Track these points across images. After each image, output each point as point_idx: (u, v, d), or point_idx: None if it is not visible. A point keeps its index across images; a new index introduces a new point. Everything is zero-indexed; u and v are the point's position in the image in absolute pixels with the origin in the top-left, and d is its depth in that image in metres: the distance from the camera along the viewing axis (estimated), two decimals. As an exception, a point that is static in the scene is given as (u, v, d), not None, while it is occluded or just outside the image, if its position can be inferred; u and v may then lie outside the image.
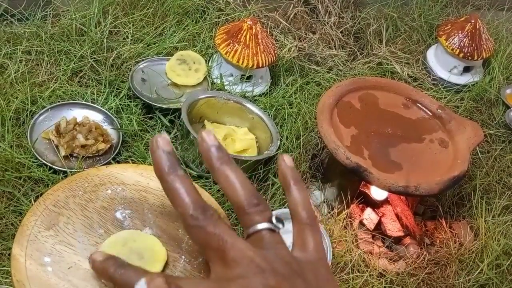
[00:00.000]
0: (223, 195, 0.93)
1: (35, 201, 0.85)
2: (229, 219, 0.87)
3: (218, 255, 0.42)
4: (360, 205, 1.03)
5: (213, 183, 0.93)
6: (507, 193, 1.08)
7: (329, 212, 0.97)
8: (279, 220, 0.45)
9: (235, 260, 0.41)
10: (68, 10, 1.17)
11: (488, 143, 1.19)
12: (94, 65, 1.09)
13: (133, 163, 0.95)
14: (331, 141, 0.92)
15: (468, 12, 1.45)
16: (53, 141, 0.96)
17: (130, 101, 1.06)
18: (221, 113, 1.07)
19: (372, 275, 0.89)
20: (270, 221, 0.45)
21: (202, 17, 1.27)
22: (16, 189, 0.89)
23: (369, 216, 1.01)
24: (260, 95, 1.15)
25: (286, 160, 0.48)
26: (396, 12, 1.38)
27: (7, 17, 1.14)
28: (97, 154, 0.96)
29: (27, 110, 0.99)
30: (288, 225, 0.93)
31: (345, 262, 0.89)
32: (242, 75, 1.13)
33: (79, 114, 1.00)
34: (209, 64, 1.17)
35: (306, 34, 1.31)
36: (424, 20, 1.39)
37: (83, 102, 1.04)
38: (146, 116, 1.05)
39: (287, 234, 0.94)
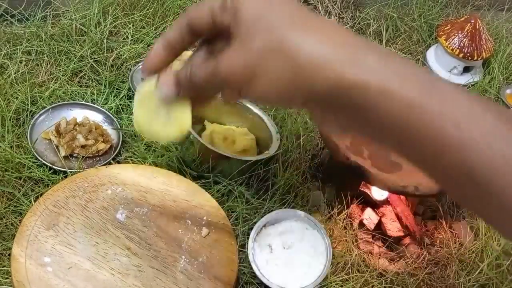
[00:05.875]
0: (223, 195, 0.93)
1: (35, 201, 0.85)
2: (229, 219, 0.87)
3: None
4: (360, 205, 1.03)
5: (213, 183, 0.93)
6: (507, 193, 1.07)
7: (329, 212, 0.97)
8: None
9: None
10: (68, 10, 1.17)
11: (488, 143, 1.19)
12: (94, 65, 1.09)
13: (133, 163, 0.95)
14: (331, 141, 0.92)
15: (468, 12, 1.45)
16: (53, 141, 0.96)
17: (130, 101, 1.06)
18: (221, 113, 1.07)
19: (372, 275, 0.89)
20: None
21: (202, 17, 1.27)
22: (16, 189, 0.89)
23: (369, 216, 1.01)
24: (260, 95, 1.15)
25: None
26: (396, 12, 1.38)
27: (7, 17, 1.14)
28: (97, 154, 0.96)
29: (27, 110, 0.99)
30: (287, 224, 0.92)
31: (345, 262, 0.90)
32: (242, 75, 1.13)
33: (79, 114, 1.00)
34: (209, 64, 1.16)
35: (306, 34, 1.31)
36: (424, 20, 1.39)
37: (83, 102, 1.04)
38: (146, 116, 1.05)
39: (286, 234, 0.93)
